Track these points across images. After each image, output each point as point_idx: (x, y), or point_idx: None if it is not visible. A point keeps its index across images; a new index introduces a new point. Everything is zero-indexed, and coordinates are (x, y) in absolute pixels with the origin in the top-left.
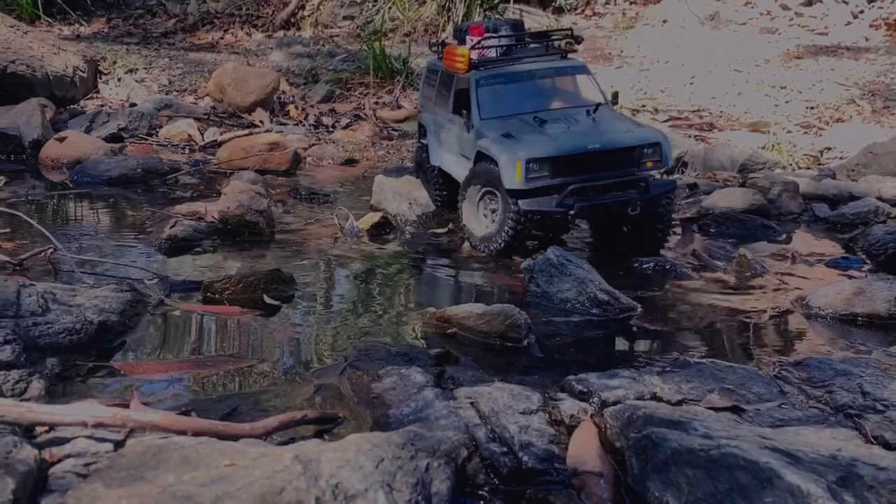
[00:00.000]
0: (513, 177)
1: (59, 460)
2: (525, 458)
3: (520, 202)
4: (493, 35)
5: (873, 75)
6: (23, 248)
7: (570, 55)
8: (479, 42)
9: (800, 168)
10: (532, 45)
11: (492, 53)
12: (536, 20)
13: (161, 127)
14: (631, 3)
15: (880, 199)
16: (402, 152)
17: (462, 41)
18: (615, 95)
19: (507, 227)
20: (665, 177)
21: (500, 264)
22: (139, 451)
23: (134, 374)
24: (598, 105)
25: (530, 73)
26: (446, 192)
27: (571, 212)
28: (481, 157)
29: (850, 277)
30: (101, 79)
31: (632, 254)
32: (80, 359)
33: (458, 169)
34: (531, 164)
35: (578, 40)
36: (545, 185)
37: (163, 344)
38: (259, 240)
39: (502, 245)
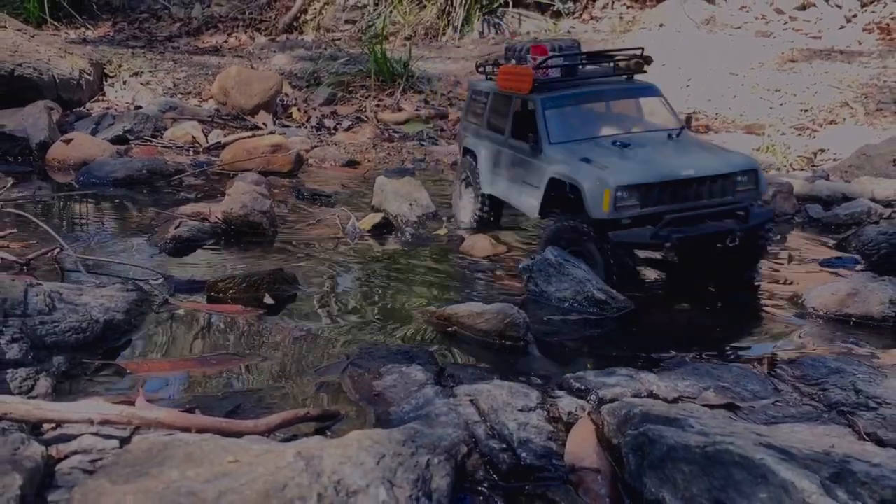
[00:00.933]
0: (599, 206)
1: (66, 457)
2: (524, 455)
3: (610, 234)
4: (559, 54)
5: (866, 78)
6: (30, 248)
7: (637, 76)
8: (544, 61)
9: (794, 169)
10: (597, 66)
11: (555, 74)
12: (535, 24)
13: (166, 129)
14: (628, 8)
15: (873, 199)
16: (403, 154)
17: (519, 61)
18: (688, 119)
19: (600, 261)
20: (762, 205)
21: (499, 264)
22: (144, 448)
23: (139, 372)
24: (681, 129)
25: (600, 94)
26: (492, 217)
27: (668, 244)
28: (555, 185)
29: (840, 276)
30: (106, 82)
31: (718, 284)
32: (87, 357)
33: (522, 198)
34: (620, 192)
35: (648, 61)
36: (634, 215)
37: (167, 342)
38: (262, 240)
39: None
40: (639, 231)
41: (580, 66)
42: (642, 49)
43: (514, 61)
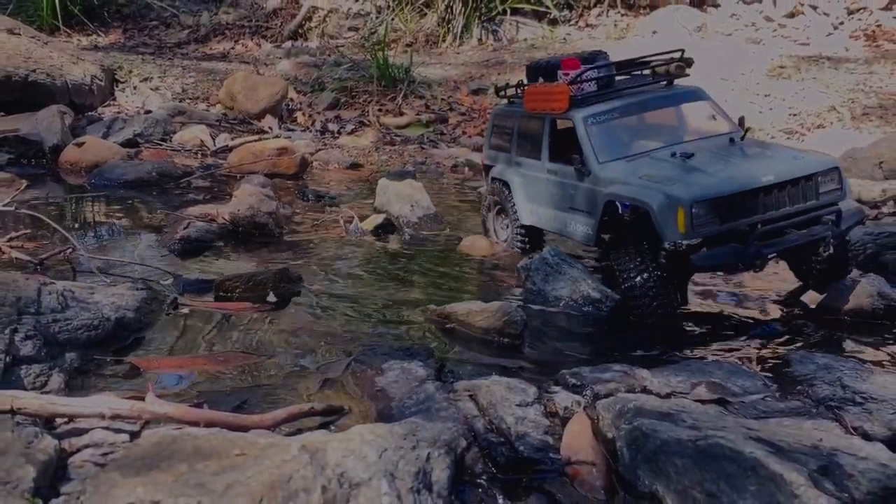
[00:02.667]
0: (673, 227)
1: (78, 450)
2: (521, 448)
3: (692, 258)
4: (592, 66)
5: (853, 83)
6: (43, 248)
7: (678, 80)
8: (578, 76)
9: None
10: (635, 74)
11: (590, 88)
12: (531, 31)
13: (175, 133)
14: (622, 15)
15: (859, 201)
16: (404, 157)
17: (549, 78)
18: (742, 121)
19: (652, 290)
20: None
21: (498, 264)
22: (154, 442)
23: (149, 368)
24: (745, 132)
25: (643, 104)
26: (529, 245)
27: (757, 260)
28: (610, 208)
29: None
30: (117, 87)
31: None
32: (98, 354)
33: (572, 227)
34: (696, 209)
35: (689, 63)
36: (713, 232)
37: (176, 340)
38: (268, 240)
39: (661, 308)
40: (725, 251)
41: (616, 77)
42: (682, 51)
43: (541, 79)
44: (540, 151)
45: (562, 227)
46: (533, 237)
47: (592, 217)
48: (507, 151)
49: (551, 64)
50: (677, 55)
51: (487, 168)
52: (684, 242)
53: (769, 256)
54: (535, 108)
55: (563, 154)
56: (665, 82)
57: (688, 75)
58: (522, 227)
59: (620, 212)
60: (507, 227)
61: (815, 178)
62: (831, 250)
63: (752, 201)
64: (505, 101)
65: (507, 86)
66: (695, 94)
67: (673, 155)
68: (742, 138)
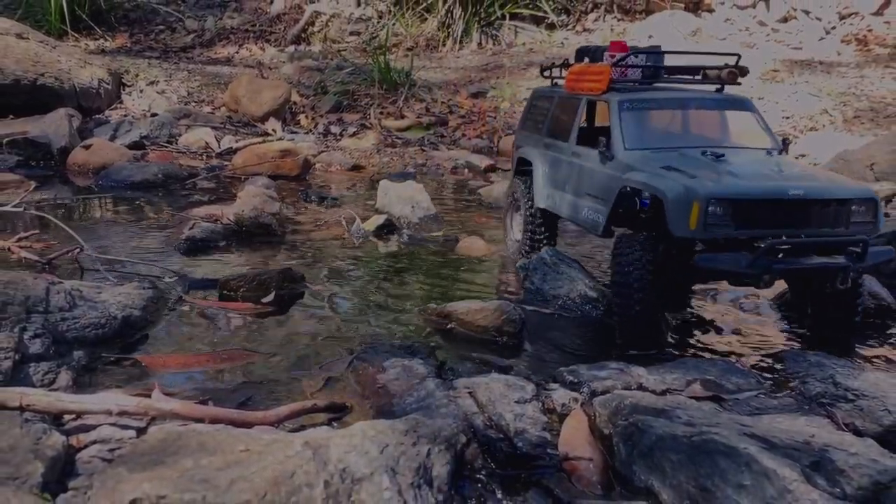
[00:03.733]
0: (685, 221)
1: (86, 446)
2: (520, 444)
3: (697, 258)
4: (641, 51)
5: (844, 87)
6: (51, 248)
7: (728, 87)
8: (622, 59)
9: None
10: (684, 72)
11: (634, 76)
12: (530, 35)
13: (180, 135)
14: (619, 20)
15: None
16: (405, 159)
17: (594, 61)
18: (785, 141)
19: (642, 284)
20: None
21: (496, 264)
22: (160, 438)
23: (155, 366)
24: (782, 148)
25: (685, 101)
26: (546, 236)
27: (766, 276)
28: (625, 198)
29: None
30: (124, 90)
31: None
32: (105, 351)
33: (583, 213)
34: (712, 207)
35: (744, 71)
36: (726, 236)
37: (182, 338)
38: (271, 240)
39: (639, 306)
40: (732, 257)
41: (664, 72)
42: (738, 56)
43: (587, 61)
44: (569, 133)
45: (575, 214)
46: (548, 228)
47: (606, 204)
48: (539, 133)
49: (600, 49)
50: (732, 61)
51: (517, 153)
52: (694, 238)
53: (779, 274)
54: (575, 89)
55: (591, 138)
56: (717, 87)
57: (739, 83)
58: (535, 211)
59: (639, 206)
60: (520, 224)
61: (849, 204)
62: (849, 284)
63: (776, 213)
64: (548, 82)
65: (553, 65)
66: (741, 104)
67: (703, 153)
68: (779, 153)
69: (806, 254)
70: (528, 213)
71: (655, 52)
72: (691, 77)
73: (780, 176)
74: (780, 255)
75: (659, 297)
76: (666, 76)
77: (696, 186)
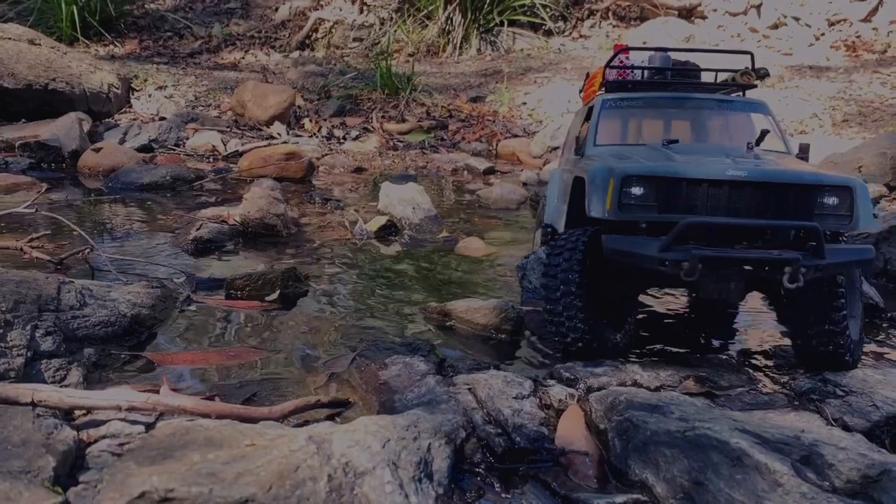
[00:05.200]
0: (601, 201)
1: (96, 441)
2: (518, 439)
3: (603, 238)
4: (639, 49)
5: (833, 91)
6: (62, 249)
7: (747, 92)
8: (616, 55)
9: None
10: (696, 75)
11: (636, 76)
12: (528, 41)
13: (188, 138)
14: (614, 27)
15: None
16: (407, 161)
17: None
18: (804, 149)
19: (568, 287)
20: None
21: (495, 264)
22: (168, 433)
23: (163, 362)
24: (762, 133)
25: (679, 101)
26: None
27: (684, 264)
28: (578, 191)
29: None
30: (133, 95)
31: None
32: (115, 349)
33: (557, 216)
34: (629, 187)
35: (761, 74)
36: (649, 220)
37: (190, 336)
38: (277, 241)
39: (574, 322)
40: (640, 240)
41: (670, 73)
42: (752, 56)
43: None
44: (575, 146)
45: (555, 220)
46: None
47: (566, 201)
48: (567, 153)
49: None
50: (747, 62)
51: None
52: (611, 221)
53: (697, 260)
54: (585, 100)
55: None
56: (731, 90)
57: (755, 86)
58: (545, 229)
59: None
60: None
61: (813, 193)
62: (800, 282)
63: (711, 197)
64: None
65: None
66: (750, 106)
67: (664, 143)
68: (758, 142)
69: (740, 242)
70: (542, 229)
71: (661, 51)
72: (701, 80)
73: (733, 162)
74: (707, 241)
75: (592, 305)
76: (674, 78)
77: (616, 166)
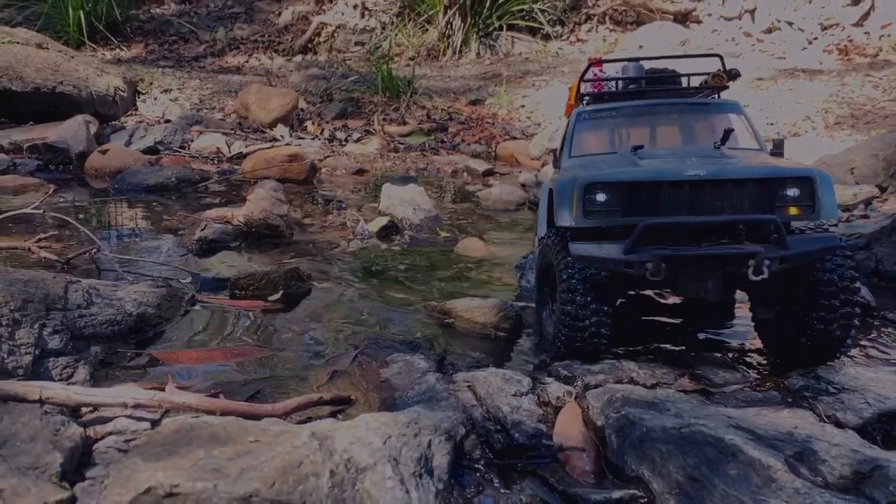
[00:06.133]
0: (567, 210)
1: (102, 437)
2: (516, 435)
3: (570, 246)
4: (614, 60)
5: (826, 94)
6: (69, 249)
7: (719, 94)
8: (588, 68)
9: None
10: (668, 81)
11: (611, 88)
12: (526, 45)
13: (193, 141)
14: (611, 31)
15: None
16: (407, 163)
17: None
18: (779, 144)
19: (563, 296)
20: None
21: (493, 263)
22: (173, 429)
23: (169, 360)
24: (726, 132)
25: (650, 108)
26: None
27: (648, 264)
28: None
29: None
30: (139, 98)
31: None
32: (121, 347)
33: (539, 228)
34: (592, 194)
35: (732, 75)
36: (614, 224)
37: (194, 334)
38: (280, 241)
39: (562, 332)
40: (606, 245)
41: (646, 83)
42: (721, 58)
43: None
44: (553, 159)
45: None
46: None
47: (544, 213)
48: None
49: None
50: (718, 70)
51: None
52: (577, 228)
53: (660, 260)
54: (567, 113)
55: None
56: (704, 93)
57: (727, 87)
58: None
59: None
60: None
61: (771, 185)
62: (764, 273)
63: (672, 198)
64: None
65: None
66: (721, 107)
67: (633, 150)
68: (723, 141)
69: (704, 239)
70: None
71: (633, 62)
72: (677, 85)
73: (695, 162)
74: (667, 241)
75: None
76: (649, 87)
77: (580, 174)
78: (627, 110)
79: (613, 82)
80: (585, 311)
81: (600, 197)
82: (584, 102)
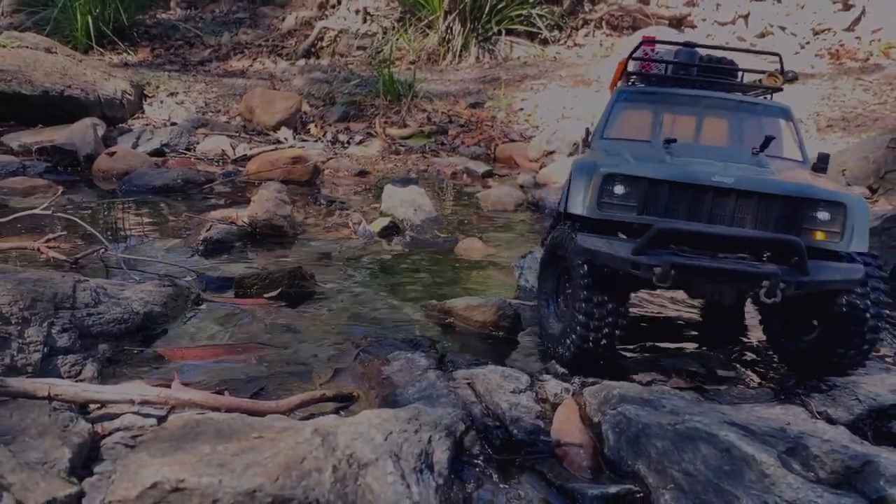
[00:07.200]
0: (581, 198)
1: (110, 433)
2: (515, 432)
3: (577, 236)
4: (664, 42)
5: (818, 98)
6: (78, 249)
7: (771, 95)
8: (639, 46)
9: None
10: (721, 73)
11: (659, 71)
12: (524, 50)
13: (198, 143)
14: (607, 35)
15: None
16: (408, 165)
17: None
18: (823, 158)
19: (578, 293)
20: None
21: (492, 263)
22: (179, 426)
23: (175, 358)
24: (767, 139)
25: (696, 99)
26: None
27: (656, 269)
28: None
29: None
30: (145, 101)
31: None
32: (128, 345)
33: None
34: (610, 186)
35: (789, 77)
36: (628, 220)
37: (200, 332)
38: (283, 241)
39: (577, 335)
40: (616, 242)
41: (694, 69)
42: (780, 57)
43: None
44: (586, 136)
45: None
46: None
47: (564, 194)
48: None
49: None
50: (776, 68)
51: None
52: (587, 218)
53: (669, 266)
54: (612, 90)
55: None
56: (755, 92)
57: (781, 90)
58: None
59: None
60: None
61: (802, 205)
62: (777, 297)
63: (693, 203)
64: None
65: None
66: (771, 110)
67: (665, 142)
68: (763, 147)
69: (721, 251)
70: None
71: (687, 46)
72: (727, 79)
73: (726, 167)
74: (684, 248)
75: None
76: (700, 76)
77: (602, 162)
78: (672, 97)
79: (663, 65)
80: (602, 311)
81: (618, 190)
82: (629, 82)
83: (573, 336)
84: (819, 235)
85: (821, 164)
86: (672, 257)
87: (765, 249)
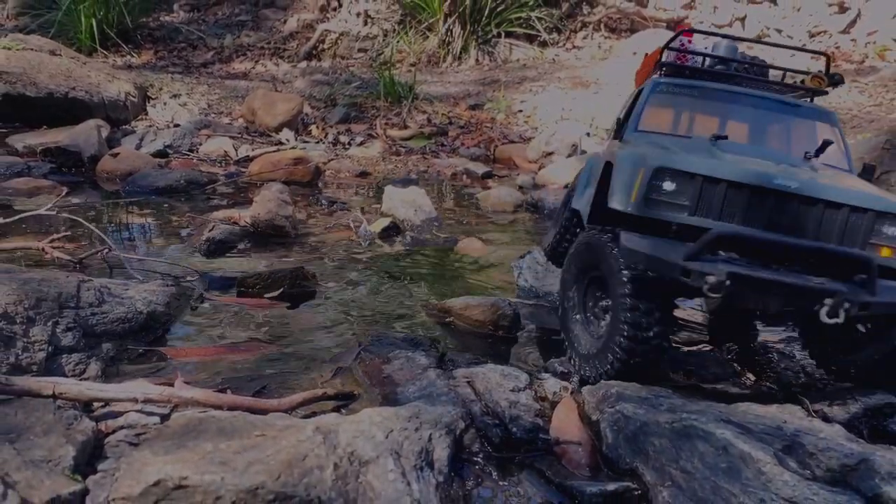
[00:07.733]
0: (626, 192)
1: (113, 431)
2: (514, 430)
3: (622, 235)
4: (708, 33)
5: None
6: (82, 249)
7: (813, 97)
8: (677, 36)
9: None
10: (764, 71)
11: (695, 63)
12: (523, 52)
13: (201, 144)
14: (605, 38)
15: None
16: (409, 166)
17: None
18: (869, 169)
19: (624, 302)
20: None
21: (492, 263)
22: (182, 424)
23: (178, 357)
24: (825, 143)
25: (738, 96)
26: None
27: (710, 277)
28: (606, 177)
29: None
30: (149, 103)
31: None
32: (132, 344)
33: (582, 201)
34: (659, 181)
35: (835, 80)
36: (677, 220)
37: (202, 331)
38: (285, 241)
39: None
40: (660, 243)
41: (732, 64)
42: (828, 58)
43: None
44: (615, 127)
45: (582, 207)
46: (570, 234)
47: (594, 186)
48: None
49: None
50: (821, 69)
51: None
52: (632, 215)
53: (728, 277)
54: (638, 83)
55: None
56: (797, 93)
57: (826, 93)
58: (570, 212)
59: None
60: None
61: (872, 217)
62: (839, 318)
63: (753, 206)
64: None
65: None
66: (815, 114)
67: (712, 139)
68: (818, 153)
69: (783, 263)
70: (559, 222)
71: (728, 39)
72: (770, 77)
73: (786, 168)
74: (743, 258)
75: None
76: (740, 72)
77: (650, 154)
78: (713, 92)
79: (700, 58)
80: (650, 320)
81: (668, 186)
82: (663, 73)
83: (617, 351)
84: (885, 252)
85: (865, 175)
86: (729, 266)
87: (830, 264)
